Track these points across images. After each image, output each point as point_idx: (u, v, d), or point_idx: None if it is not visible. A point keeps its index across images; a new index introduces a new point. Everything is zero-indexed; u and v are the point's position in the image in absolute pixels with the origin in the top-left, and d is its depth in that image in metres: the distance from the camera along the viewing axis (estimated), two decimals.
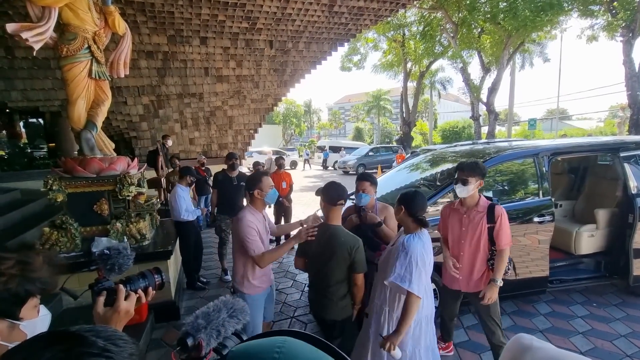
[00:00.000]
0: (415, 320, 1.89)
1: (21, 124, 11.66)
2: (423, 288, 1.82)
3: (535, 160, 3.22)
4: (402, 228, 2.08)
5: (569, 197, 4.40)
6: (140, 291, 0.95)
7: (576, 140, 4.02)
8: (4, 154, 9.31)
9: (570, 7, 12.86)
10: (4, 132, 10.77)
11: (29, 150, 10.63)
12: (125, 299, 0.89)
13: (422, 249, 1.84)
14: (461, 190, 2.27)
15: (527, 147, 3.46)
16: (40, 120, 10.94)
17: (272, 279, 2.49)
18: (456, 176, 2.31)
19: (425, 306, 1.96)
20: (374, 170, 16.69)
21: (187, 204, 4.06)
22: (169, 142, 6.77)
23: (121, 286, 0.90)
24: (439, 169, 4.13)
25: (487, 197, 2.45)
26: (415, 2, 14.95)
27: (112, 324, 0.85)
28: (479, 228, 2.27)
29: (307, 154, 24.44)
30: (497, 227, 2.23)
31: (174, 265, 3.71)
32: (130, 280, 0.95)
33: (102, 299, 0.87)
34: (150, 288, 0.98)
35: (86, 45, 3.26)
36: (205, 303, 0.80)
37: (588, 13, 13.00)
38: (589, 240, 3.62)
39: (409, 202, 1.94)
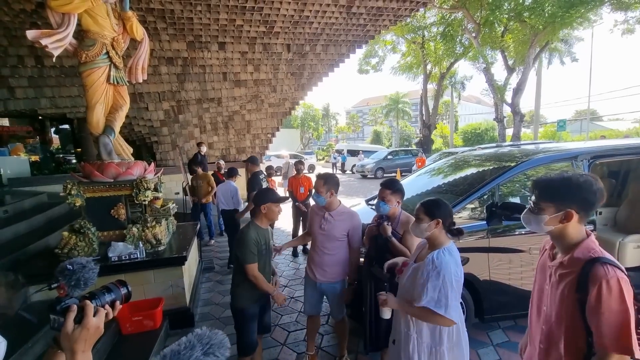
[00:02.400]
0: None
1: (52, 130, 12.25)
2: (458, 313, 1.59)
3: (573, 164, 2.95)
4: (422, 241, 1.81)
5: (609, 204, 4.03)
6: (107, 306, 0.89)
7: (619, 142, 3.68)
8: (37, 159, 9.74)
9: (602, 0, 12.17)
10: (37, 137, 11.33)
11: (60, 155, 11.12)
12: (94, 315, 0.82)
13: (455, 267, 1.58)
14: (527, 221, 1.35)
15: (564, 150, 3.18)
16: (69, 126, 11.43)
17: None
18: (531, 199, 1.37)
19: (457, 331, 1.72)
20: (393, 174, 16.41)
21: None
22: (203, 149, 6.85)
23: (88, 302, 0.83)
24: (463, 173, 3.89)
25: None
26: (435, 2, 14.65)
27: (81, 342, 0.78)
28: (560, 296, 1.23)
29: (335, 158, 23.01)
30: (592, 304, 1.11)
31: (188, 271, 3.66)
32: (95, 296, 0.88)
33: (72, 317, 0.79)
34: (118, 302, 0.92)
35: (105, 51, 3.30)
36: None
37: (622, 6, 12.27)
38: (635, 252, 3.28)
39: (444, 213, 1.66)
